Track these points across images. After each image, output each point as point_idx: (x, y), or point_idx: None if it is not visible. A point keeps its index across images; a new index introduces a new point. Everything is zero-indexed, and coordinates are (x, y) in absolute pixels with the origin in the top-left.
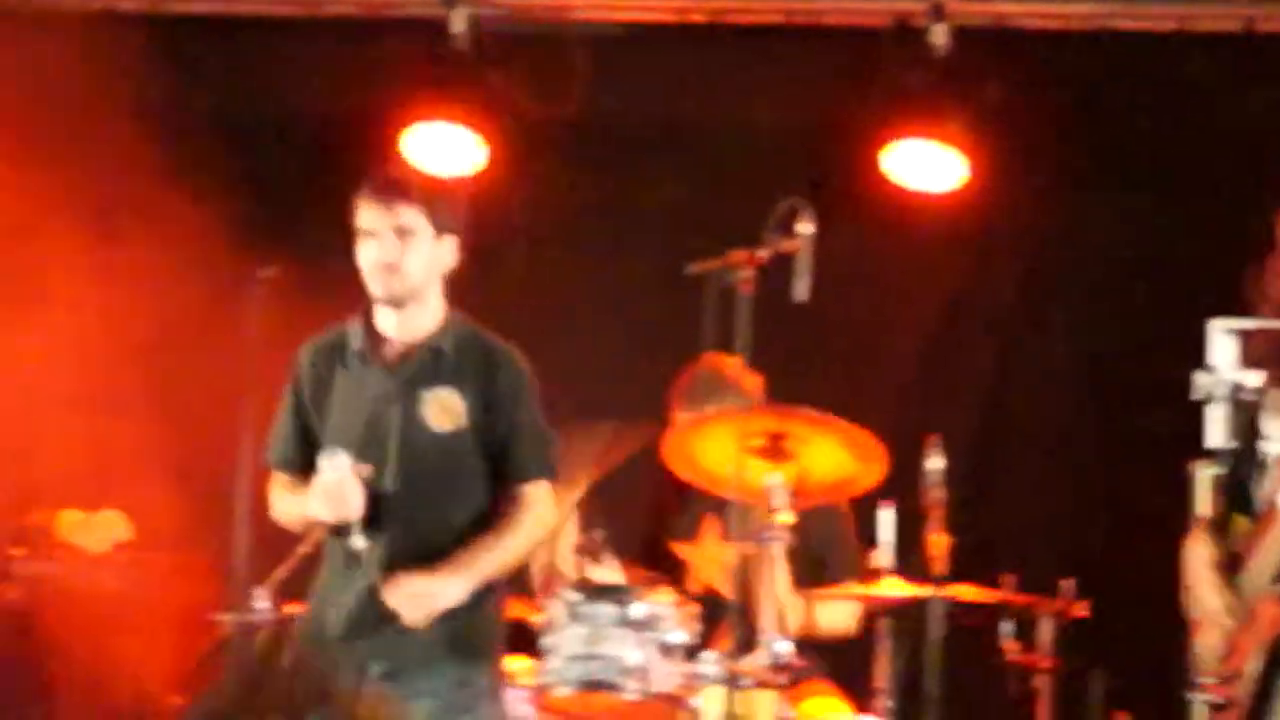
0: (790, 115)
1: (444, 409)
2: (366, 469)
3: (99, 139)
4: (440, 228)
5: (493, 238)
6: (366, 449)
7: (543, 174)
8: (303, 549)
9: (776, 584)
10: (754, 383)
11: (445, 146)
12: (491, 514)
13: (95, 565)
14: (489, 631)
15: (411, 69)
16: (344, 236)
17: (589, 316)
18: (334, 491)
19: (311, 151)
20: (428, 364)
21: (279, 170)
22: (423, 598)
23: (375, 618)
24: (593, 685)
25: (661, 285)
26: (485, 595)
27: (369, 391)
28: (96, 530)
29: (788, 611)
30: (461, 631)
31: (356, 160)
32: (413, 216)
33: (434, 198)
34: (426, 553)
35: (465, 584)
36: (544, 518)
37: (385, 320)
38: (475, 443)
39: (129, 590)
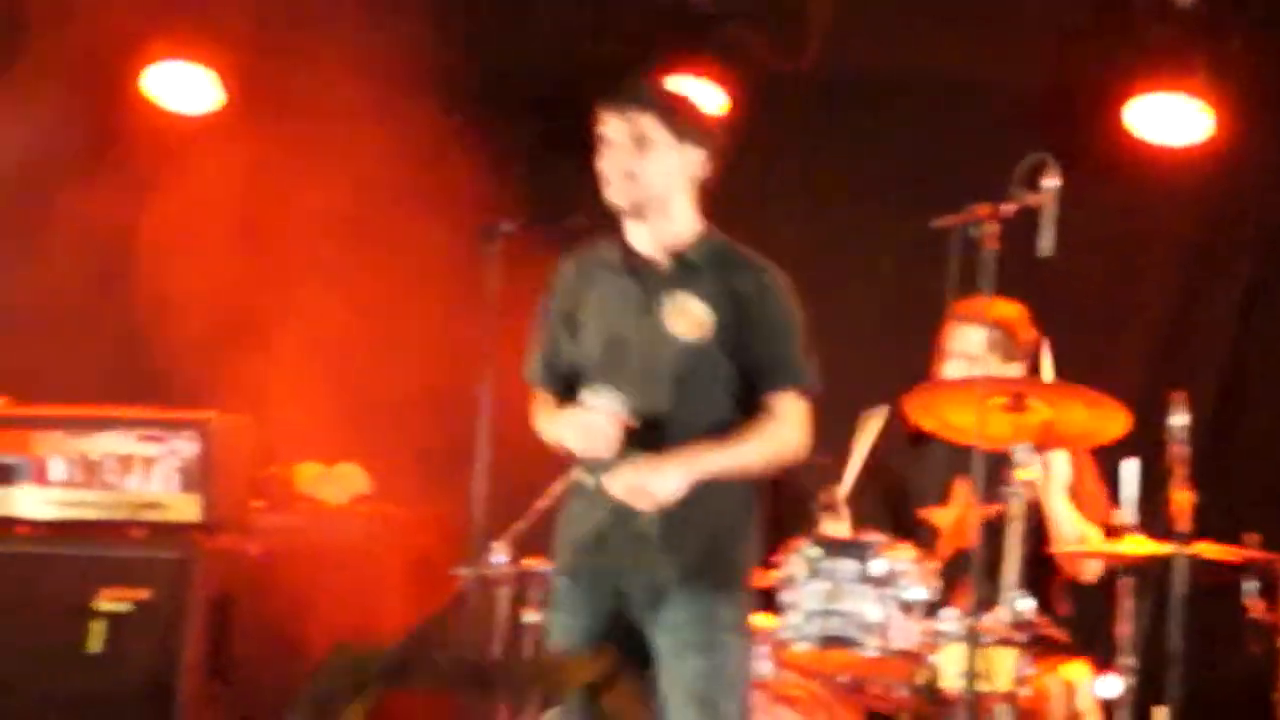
0: (1033, 68)
1: (688, 317)
2: (625, 412)
3: (354, 100)
4: (681, 135)
5: (731, 190)
6: (610, 361)
7: (782, 127)
8: (542, 503)
9: (1068, 520)
10: (1031, 336)
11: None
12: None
13: (334, 518)
14: (738, 564)
15: (653, 23)
16: (583, 193)
17: (829, 271)
18: (592, 430)
19: (549, 107)
20: (674, 273)
21: (520, 127)
22: (641, 487)
23: (619, 543)
24: (832, 641)
25: (904, 240)
26: (734, 526)
27: (616, 303)
28: (335, 483)
29: (1090, 540)
30: (707, 565)
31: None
32: (650, 124)
33: (673, 106)
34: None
35: (684, 475)
36: (788, 430)
37: (635, 233)
38: (722, 352)
39: (367, 543)
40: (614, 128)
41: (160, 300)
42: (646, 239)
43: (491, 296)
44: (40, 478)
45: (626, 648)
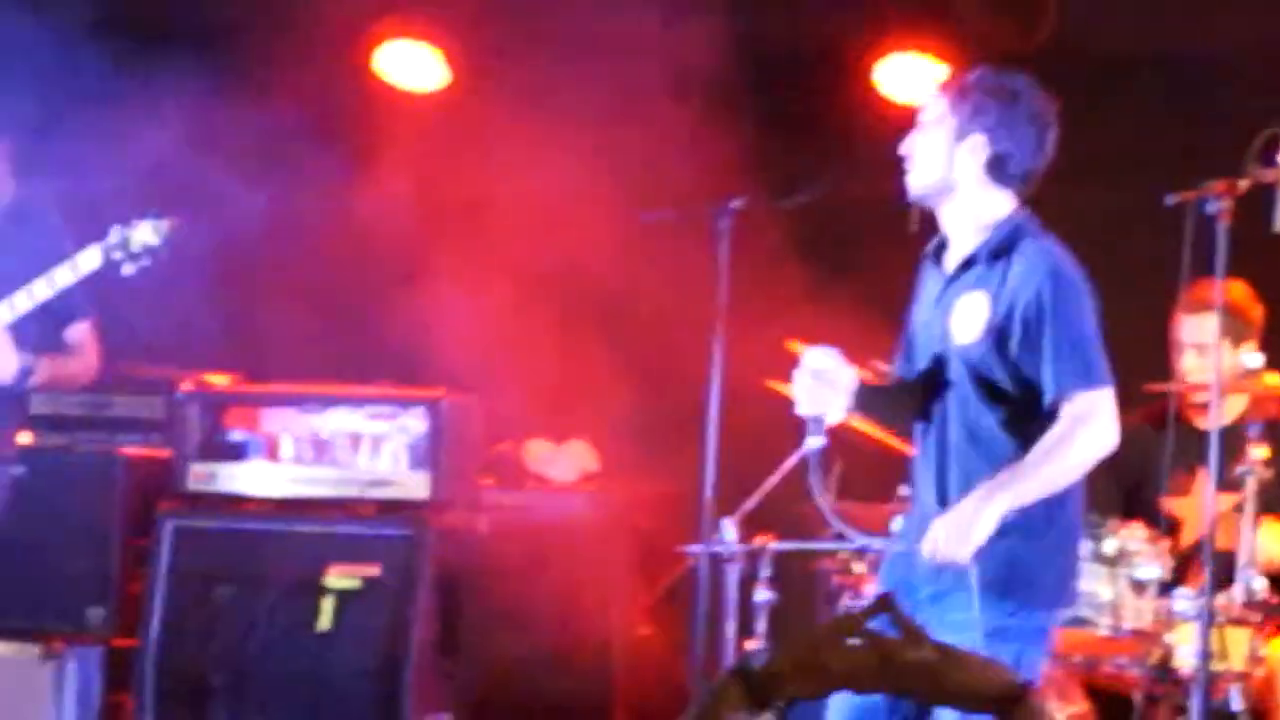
0: (1269, 40)
1: (967, 317)
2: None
3: (579, 79)
4: (965, 118)
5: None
6: (912, 359)
7: None
8: (772, 481)
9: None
10: (1258, 313)
11: (914, 77)
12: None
13: (562, 496)
14: (1033, 570)
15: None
16: (817, 168)
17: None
18: (811, 383)
19: (778, 85)
20: (963, 267)
21: (749, 104)
22: (955, 533)
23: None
24: (1065, 622)
25: (1136, 215)
26: (1031, 527)
27: (927, 297)
28: (564, 461)
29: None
30: (995, 569)
31: (828, 93)
32: (940, 109)
33: (959, 87)
34: (951, 473)
35: (996, 509)
36: (1086, 434)
37: (946, 220)
38: (997, 355)
39: (595, 521)
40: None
41: (387, 277)
42: (949, 226)
43: (721, 273)
44: (271, 454)
45: None
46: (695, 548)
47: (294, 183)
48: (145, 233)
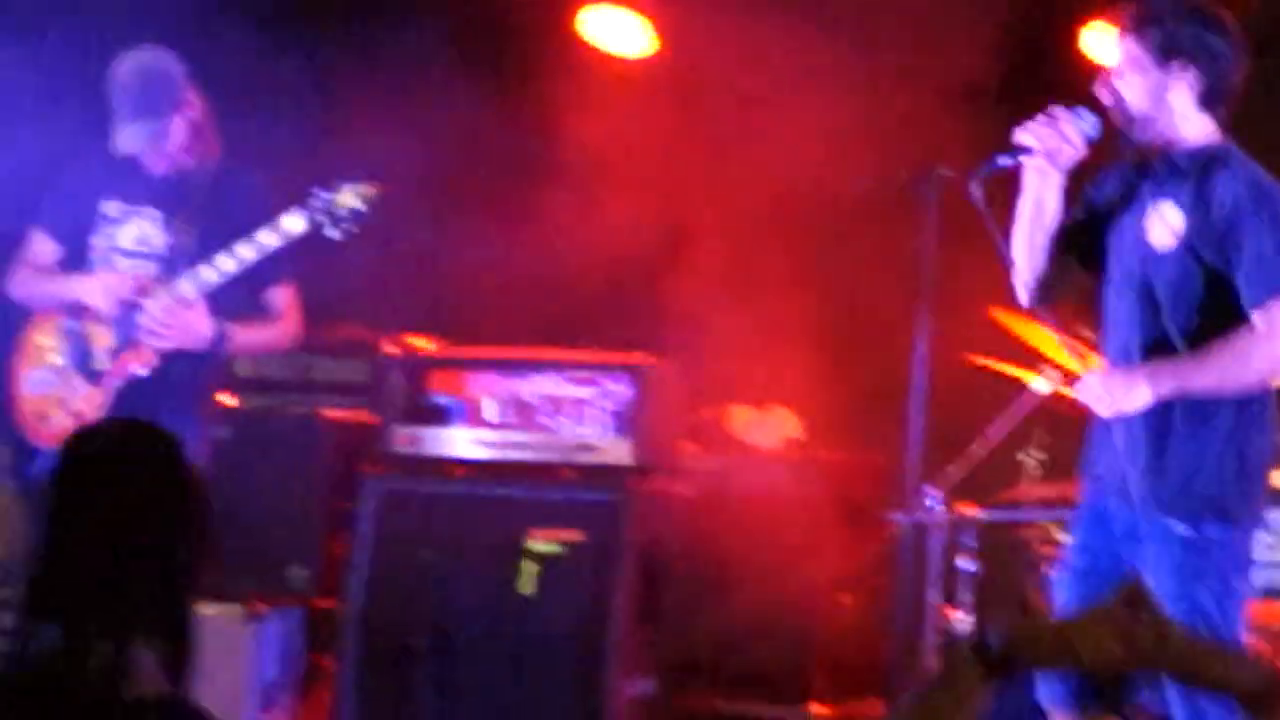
0: None
1: (1164, 225)
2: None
3: (783, 46)
4: (1164, 52)
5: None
6: (1116, 274)
7: None
8: (977, 448)
9: None
10: None
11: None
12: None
13: (765, 462)
14: (1227, 482)
15: None
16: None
17: None
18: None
19: (986, 53)
20: (1163, 181)
21: (958, 71)
22: (1106, 395)
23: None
24: (1274, 594)
25: None
26: (1221, 442)
27: (1124, 208)
28: (767, 427)
29: None
30: (1191, 483)
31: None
32: (1129, 44)
33: (1151, 18)
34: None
35: (1152, 388)
36: (1271, 345)
37: (1152, 150)
38: (1194, 262)
39: (798, 488)
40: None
41: (593, 242)
42: (1154, 153)
43: (928, 241)
44: (474, 419)
45: None
46: (899, 516)
47: (501, 142)
48: (348, 197)
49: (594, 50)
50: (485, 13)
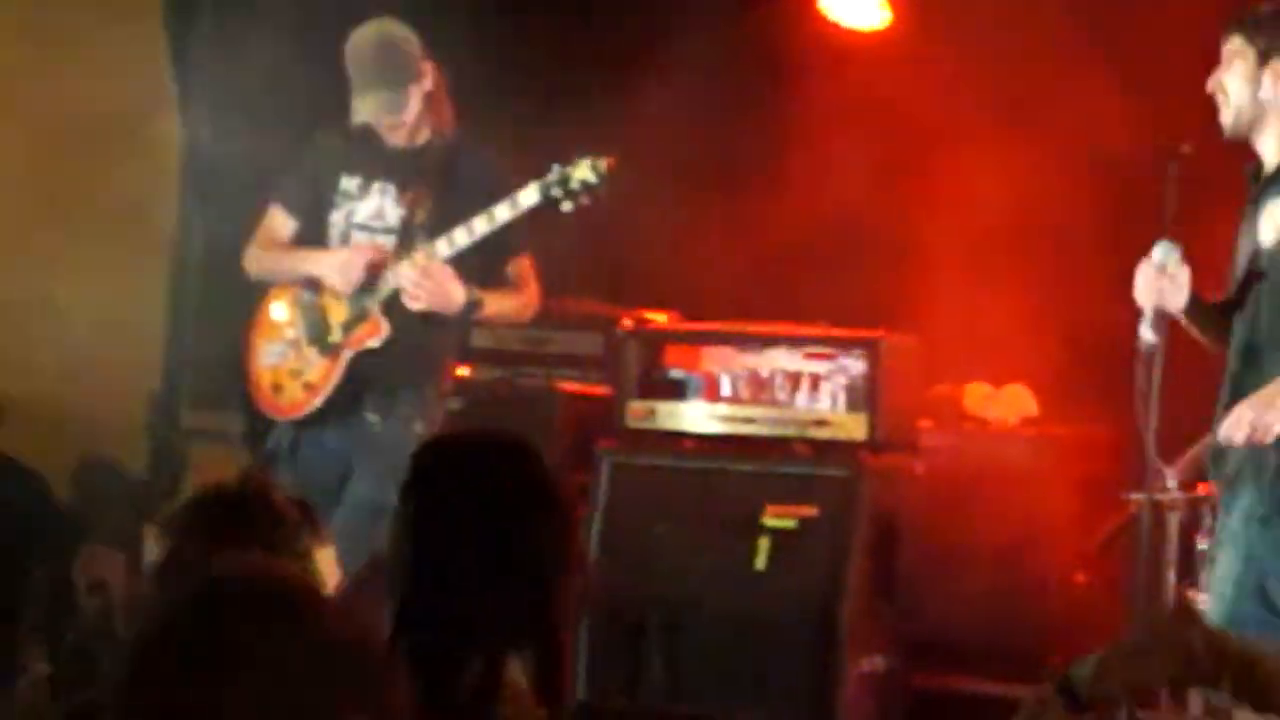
0: None
1: (1273, 221)
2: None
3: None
4: (1264, 46)
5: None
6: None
7: None
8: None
9: None
10: None
11: None
12: None
13: (1001, 439)
14: None
15: None
16: None
17: None
18: (1153, 275)
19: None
20: (1273, 178)
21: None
22: (1249, 421)
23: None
24: None
25: None
26: None
27: (1247, 214)
28: (1003, 404)
29: None
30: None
31: None
32: (1236, 43)
33: (1253, 15)
34: (1250, 370)
35: None
36: None
37: (1262, 146)
38: None
39: (1034, 465)
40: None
41: (829, 216)
42: (1264, 149)
43: (1169, 217)
44: (710, 393)
45: None
46: (1137, 495)
47: (738, 116)
48: (584, 170)
49: (830, 23)
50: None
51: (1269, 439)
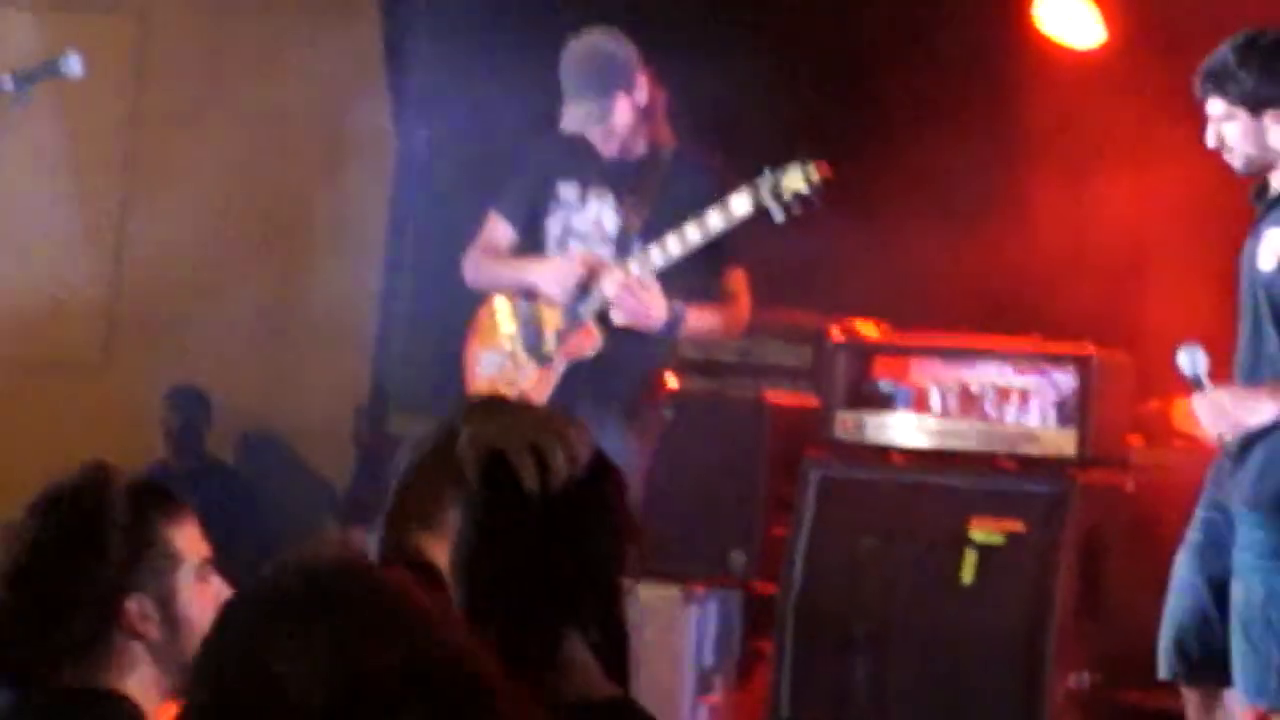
0: None
1: (1271, 247)
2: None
3: None
4: (1251, 105)
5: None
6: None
7: None
8: None
9: None
10: None
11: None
12: None
13: (1211, 456)
14: None
15: None
16: None
17: None
18: (1208, 408)
19: None
20: (1272, 203)
21: None
22: (1223, 412)
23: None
24: None
25: None
26: None
27: (1250, 238)
28: None
29: None
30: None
31: None
32: (1219, 106)
33: (1227, 64)
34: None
35: (1263, 407)
36: None
37: (1275, 180)
38: None
39: None
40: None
41: (1042, 231)
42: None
43: None
44: (919, 406)
45: None
46: None
47: (945, 130)
48: (796, 179)
49: (1047, 40)
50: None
51: (1232, 435)
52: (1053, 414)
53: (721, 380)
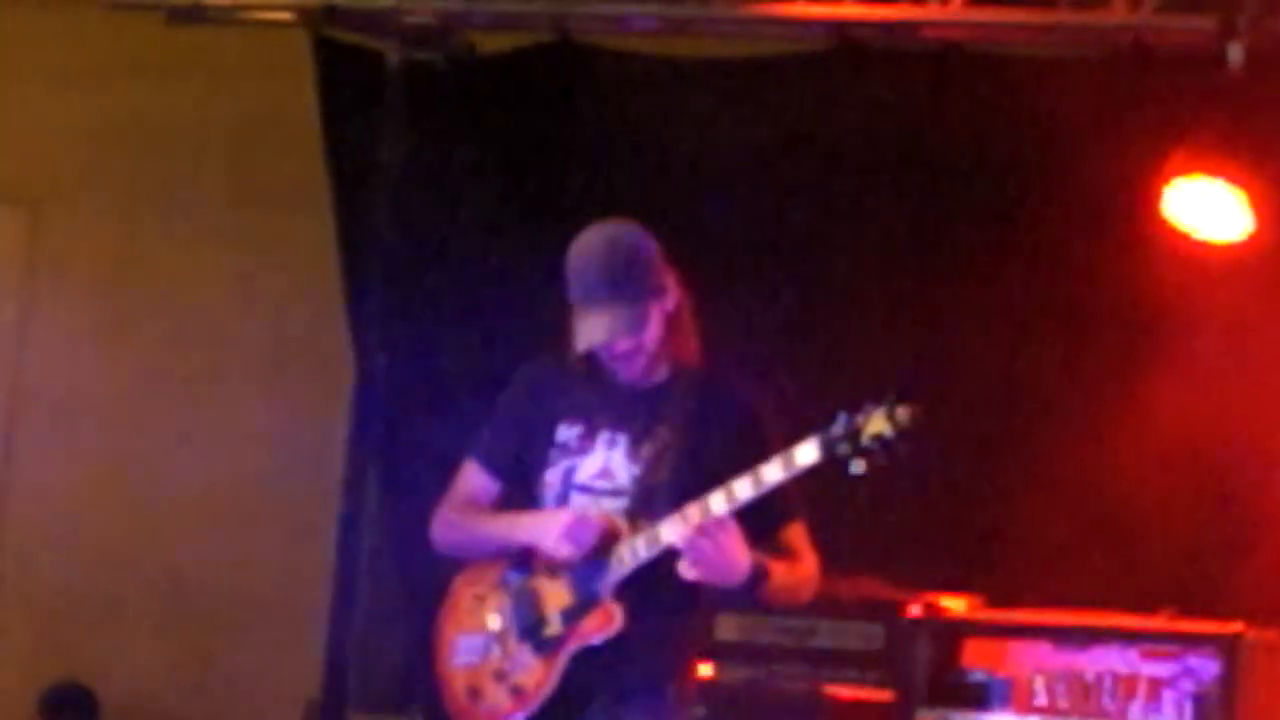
0: None
1: None
2: None
3: None
4: None
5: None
6: None
7: None
8: None
9: None
10: None
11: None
12: None
13: None
14: None
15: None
16: None
17: None
18: None
19: None
20: None
21: None
22: None
23: None
24: None
25: None
26: None
27: None
28: None
29: None
30: None
31: None
32: None
33: None
34: None
35: None
36: None
37: None
38: None
39: None
40: None
41: (1182, 468)
42: None
43: None
44: (1021, 703)
45: None
46: None
47: (1071, 349)
48: (879, 423)
49: (1180, 234)
50: (1047, 193)
51: None
52: (1190, 711)
53: (768, 668)
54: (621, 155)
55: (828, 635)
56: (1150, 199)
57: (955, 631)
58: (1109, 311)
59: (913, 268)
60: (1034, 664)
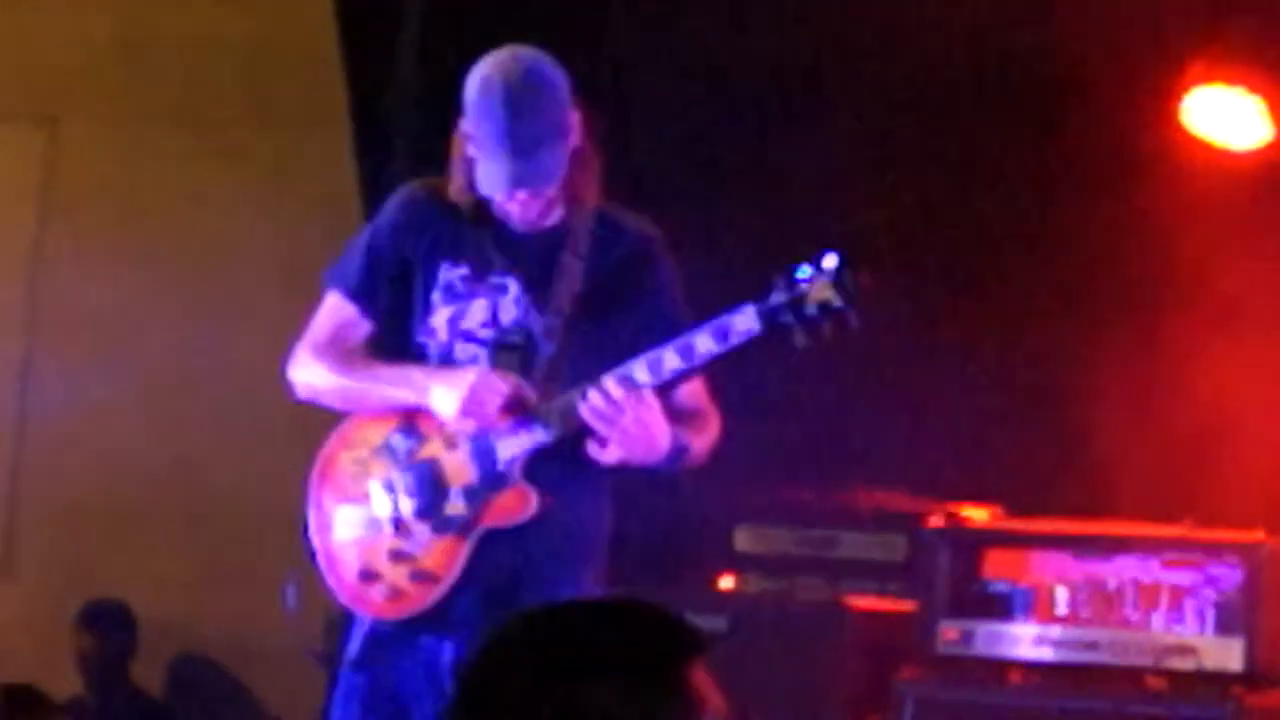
0: None
1: None
2: None
3: None
4: None
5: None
6: None
7: None
8: None
9: None
10: None
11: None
12: None
13: None
14: None
15: None
16: None
17: None
18: None
19: None
20: None
21: None
22: None
23: None
24: None
25: None
26: None
27: None
28: None
29: None
30: None
31: None
32: None
33: None
34: None
35: None
36: None
37: None
38: None
39: None
40: None
41: (1201, 387)
42: None
43: None
44: (1042, 611)
45: None
46: None
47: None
48: (824, 289)
49: (1198, 144)
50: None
51: None
52: (1212, 619)
53: (790, 580)
54: (647, 77)
55: (849, 546)
56: (1169, 107)
57: (977, 541)
58: (1128, 222)
59: (922, 170)
60: (1056, 574)
